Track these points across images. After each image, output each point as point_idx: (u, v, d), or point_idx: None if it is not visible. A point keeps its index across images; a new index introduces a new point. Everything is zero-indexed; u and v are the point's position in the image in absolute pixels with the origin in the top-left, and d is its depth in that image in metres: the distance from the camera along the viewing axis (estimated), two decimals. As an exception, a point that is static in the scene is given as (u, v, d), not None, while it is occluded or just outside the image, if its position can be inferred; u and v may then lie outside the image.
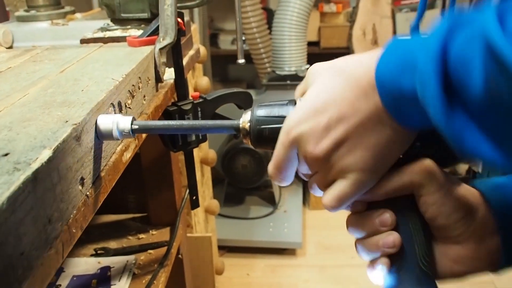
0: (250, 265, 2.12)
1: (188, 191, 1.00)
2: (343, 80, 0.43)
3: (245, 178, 2.15)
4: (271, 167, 0.48)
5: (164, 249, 1.04)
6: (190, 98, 0.92)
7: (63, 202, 0.41)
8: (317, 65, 0.47)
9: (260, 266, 2.12)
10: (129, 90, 0.63)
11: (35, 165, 0.36)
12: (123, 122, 0.50)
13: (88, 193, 0.46)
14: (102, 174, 0.51)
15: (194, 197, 0.98)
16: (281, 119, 0.47)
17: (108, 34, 0.95)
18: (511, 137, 0.32)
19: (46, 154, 0.38)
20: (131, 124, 0.50)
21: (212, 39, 2.83)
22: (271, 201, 2.37)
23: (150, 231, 1.12)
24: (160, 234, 1.12)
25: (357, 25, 2.62)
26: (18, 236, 0.33)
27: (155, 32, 0.82)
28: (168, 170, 1.09)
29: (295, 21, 2.23)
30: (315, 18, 2.61)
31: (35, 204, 0.35)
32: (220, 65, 3.12)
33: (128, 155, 0.59)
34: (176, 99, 0.90)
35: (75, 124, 0.44)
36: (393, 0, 2.60)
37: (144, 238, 1.09)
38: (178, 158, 1.18)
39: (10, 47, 1.06)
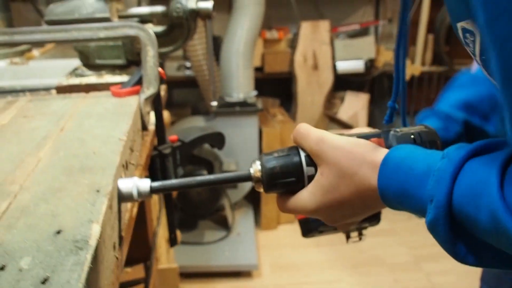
0: (208, 290, 2.14)
1: (157, 229, 1.03)
2: (352, 189, 0.52)
3: (200, 204, 2.19)
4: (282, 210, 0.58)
5: (141, 286, 1.06)
6: (169, 141, 0.96)
7: (107, 269, 0.44)
8: (325, 145, 0.53)
9: (218, 291, 2.15)
10: (130, 147, 0.67)
11: (93, 242, 0.40)
12: (143, 184, 0.54)
13: (117, 255, 0.50)
14: (123, 234, 0.54)
15: (172, 235, 1.02)
16: (289, 168, 0.55)
17: (84, 80, 0.97)
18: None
19: (96, 229, 0.42)
20: (150, 186, 0.54)
21: (157, 65, 2.85)
22: (224, 224, 2.41)
23: (125, 269, 1.13)
24: (134, 272, 1.13)
25: (298, 51, 2.75)
26: (90, 310, 0.37)
27: (138, 81, 0.86)
28: (142, 208, 1.12)
29: (242, 49, 2.31)
30: (258, 45, 2.70)
31: (94, 279, 0.39)
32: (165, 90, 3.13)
33: (135, 210, 0.63)
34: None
35: (108, 193, 0.48)
36: (331, 28, 2.76)
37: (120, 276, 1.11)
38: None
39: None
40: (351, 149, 0.52)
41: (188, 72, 2.78)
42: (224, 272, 2.20)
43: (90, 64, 1.01)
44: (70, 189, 0.49)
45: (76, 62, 1.16)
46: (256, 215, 2.64)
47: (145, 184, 0.54)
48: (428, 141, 0.54)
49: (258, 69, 2.77)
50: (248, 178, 0.56)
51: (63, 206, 0.46)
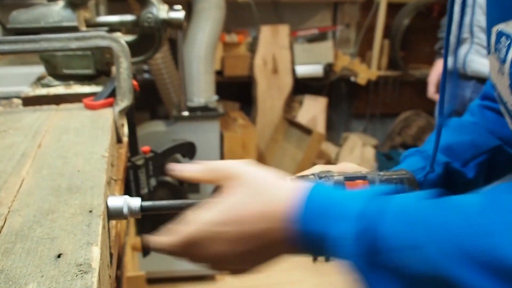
0: (172, 296, 2.14)
1: (126, 238, 1.03)
2: (260, 206, 0.47)
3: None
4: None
5: (113, 297, 1.06)
6: (141, 152, 0.96)
7: (105, 290, 0.45)
8: (236, 168, 0.50)
9: (182, 296, 2.15)
10: (111, 163, 0.67)
11: (95, 265, 0.40)
12: (133, 203, 0.54)
13: (110, 273, 0.51)
14: (112, 251, 0.55)
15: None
16: None
17: (51, 91, 0.95)
18: None
19: (97, 251, 0.42)
20: (141, 205, 0.55)
21: (114, 68, 2.80)
22: (186, 229, 2.40)
23: (94, 281, 1.12)
24: (104, 283, 1.12)
25: (258, 55, 2.78)
26: (98, 333, 0.37)
27: (111, 93, 0.86)
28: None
29: (203, 54, 2.31)
30: (218, 48, 2.71)
31: (99, 301, 0.40)
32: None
33: (119, 226, 0.63)
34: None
35: (101, 214, 0.48)
36: (290, 32, 2.80)
37: None
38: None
39: None
40: (271, 179, 0.49)
41: (146, 76, 2.75)
42: (188, 276, 2.20)
43: (57, 73, 0.99)
44: (62, 210, 0.49)
45: (38, 70, 1.12)
46: (218, 219, 2.64)
47: (136, 202, 0.55)
48: (408, 187, 0.56)
49: (218, 73, 2.78)
50: None
51: (59, 228, 0.46)
